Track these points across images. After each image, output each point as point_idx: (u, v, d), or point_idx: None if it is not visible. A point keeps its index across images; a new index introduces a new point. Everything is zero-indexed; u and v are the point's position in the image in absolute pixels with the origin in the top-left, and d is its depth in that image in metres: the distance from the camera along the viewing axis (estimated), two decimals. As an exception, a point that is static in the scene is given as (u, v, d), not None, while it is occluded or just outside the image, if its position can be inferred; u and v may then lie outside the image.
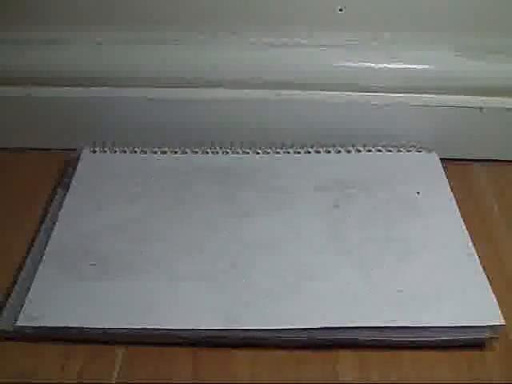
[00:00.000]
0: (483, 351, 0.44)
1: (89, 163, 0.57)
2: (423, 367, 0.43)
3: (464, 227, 0.51)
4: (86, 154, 0.58)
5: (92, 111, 0.60)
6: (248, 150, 0.60)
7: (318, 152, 0.60)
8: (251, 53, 0.59)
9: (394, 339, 0.44)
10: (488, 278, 0.47)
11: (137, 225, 0.52)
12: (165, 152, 0.59)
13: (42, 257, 0.49)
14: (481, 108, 0.59)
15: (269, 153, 0.59)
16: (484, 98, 0.59)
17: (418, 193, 0.55)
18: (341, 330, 0.44)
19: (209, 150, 0.60)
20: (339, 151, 0.60)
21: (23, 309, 0.45)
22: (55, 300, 0.46)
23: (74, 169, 0.57)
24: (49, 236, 0.51)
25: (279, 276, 0.47)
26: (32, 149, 0.59)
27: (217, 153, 0.59)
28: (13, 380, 0.43)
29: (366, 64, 0.59)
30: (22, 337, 0.44)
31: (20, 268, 0.49)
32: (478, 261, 0.48)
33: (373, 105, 0.59)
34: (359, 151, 0.59)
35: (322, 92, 0.59)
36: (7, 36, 0.59)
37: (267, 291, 0.46)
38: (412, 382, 0.42)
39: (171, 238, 0.50)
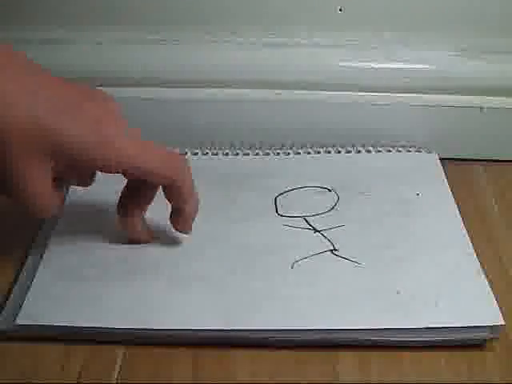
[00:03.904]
0: (483, 351, 0.44)
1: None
2: (423, 367, 0.43)
3: (464, 228, 0.51)
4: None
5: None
6: (248, 151, 0.60)
7: (318, 152, 0.60)
8: (251, 53, 0.59)
9: (393, 339, 0.44)
10: (488, 278, 0.47)
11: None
12: (165, 152, 0.59)
13: (42, 256, 0.49)
14: (481, 108, 0.59)
15: (269, 154, 0.59)
16: (484, 98, 0.59)
17: (418, 193, 0.55)
18: (340, 331, 0.44)
19: (208, 151, 0.60)
20: (339, 151, 0.60)
21: (23, 308, 0.45)
22: (55, 299, 0.46)
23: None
24: (49, 236, 0.51)
25: (279, 278, 0.47)
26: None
27: (216, 154, 0.59)
28: (13, 380, 0.43)
29: (366, 64, 0.59)
30: (22, 337, 0.44)
31: (20, 268, 0.49)
32: (477, 261, 0.48)
33: (373, 105, 0.59)
34: (359, 151, 0.60)
35: (321, 92, 0.59)
36: (7, 36, 0.59)
37: (267, 292, 0.46)
38: (412, 382, 0.42)
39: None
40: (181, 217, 0.48)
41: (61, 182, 0.45)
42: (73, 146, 0.42)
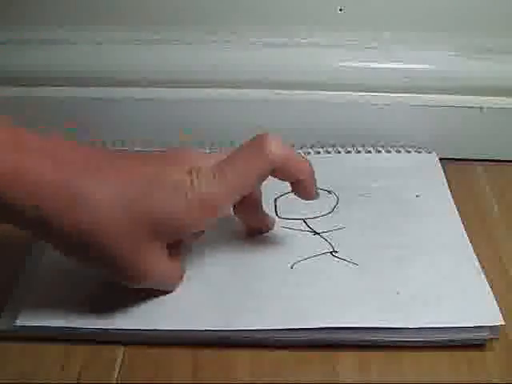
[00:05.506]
0: (483, 351, 0.44)
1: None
2: (423, 367, 0.43)
3: (463, 228, 0.51)
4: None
5: (91, 111, 0.60)
6: (248, 151, 0.60)
7: (318, 152, 0.60)
8: (251, 53, 0.59)
9: (393, 339, 0.44)
10: (488, 278, 0.47)
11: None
12: (165, 152, 0.59)
13: (42, 257, 0.49)
14: (481, 108, 0.59)
15: (268, 154, 0.59)
16: (484, 98, 0.59)
17: (418, 195, 0.55)
18: (340, 331, 0.44)
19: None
20: (339, 151, 0.60)
21: (23, 308, 0.45)
22: (55, 300, 0.46)
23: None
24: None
25: (279, 278, 0.47)
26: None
27: (216, 154, 0.59)
28: (13, 380, 0.43)
29: (366, 64, 0.59)
30: (22, 337, 0.44)
31: (20, 268, 0.49)
32: (477, 261, 0.48)
33: (373, 105, 0.59)
34: (359, 151, 0.60)
35: (321, 92, 0.59)
36: (7, 36, 0.59)
37: (267, 293, 0.46)
38: (412, 381, 0.42)
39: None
40: (300, 187, 0.47)
41: (174, 249, 0.45)
42: (171, 219, 0.42)
